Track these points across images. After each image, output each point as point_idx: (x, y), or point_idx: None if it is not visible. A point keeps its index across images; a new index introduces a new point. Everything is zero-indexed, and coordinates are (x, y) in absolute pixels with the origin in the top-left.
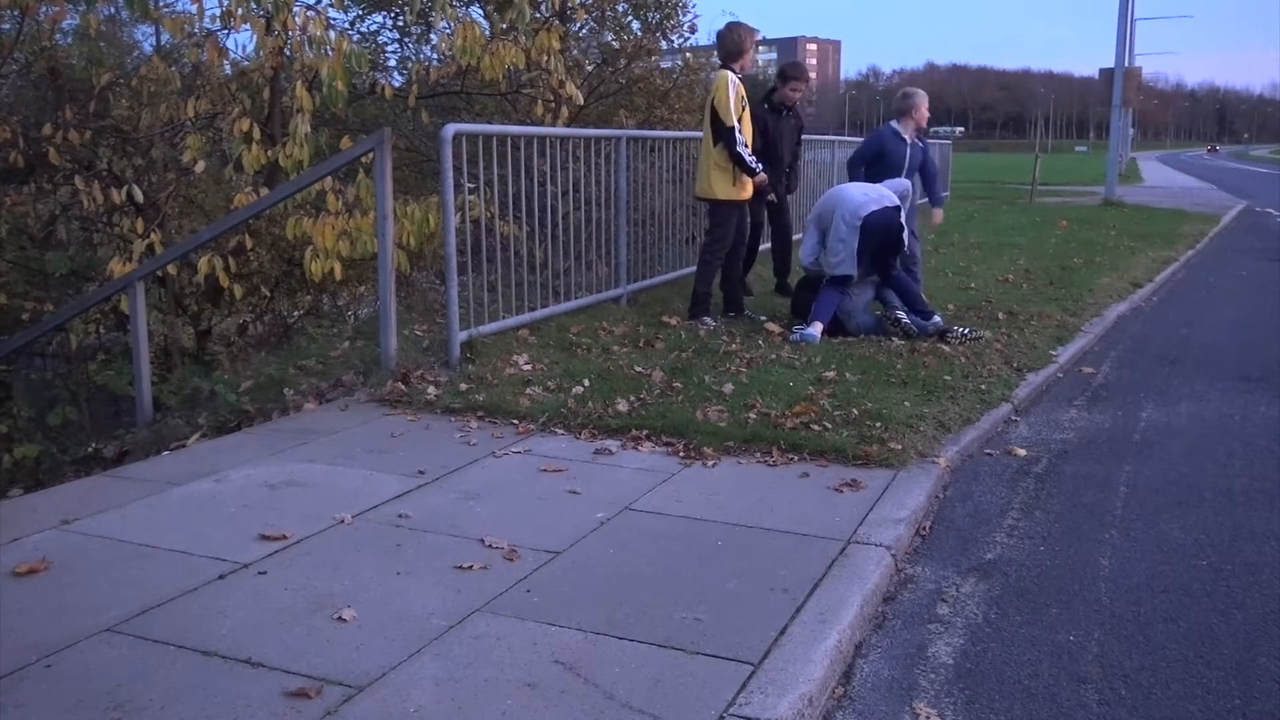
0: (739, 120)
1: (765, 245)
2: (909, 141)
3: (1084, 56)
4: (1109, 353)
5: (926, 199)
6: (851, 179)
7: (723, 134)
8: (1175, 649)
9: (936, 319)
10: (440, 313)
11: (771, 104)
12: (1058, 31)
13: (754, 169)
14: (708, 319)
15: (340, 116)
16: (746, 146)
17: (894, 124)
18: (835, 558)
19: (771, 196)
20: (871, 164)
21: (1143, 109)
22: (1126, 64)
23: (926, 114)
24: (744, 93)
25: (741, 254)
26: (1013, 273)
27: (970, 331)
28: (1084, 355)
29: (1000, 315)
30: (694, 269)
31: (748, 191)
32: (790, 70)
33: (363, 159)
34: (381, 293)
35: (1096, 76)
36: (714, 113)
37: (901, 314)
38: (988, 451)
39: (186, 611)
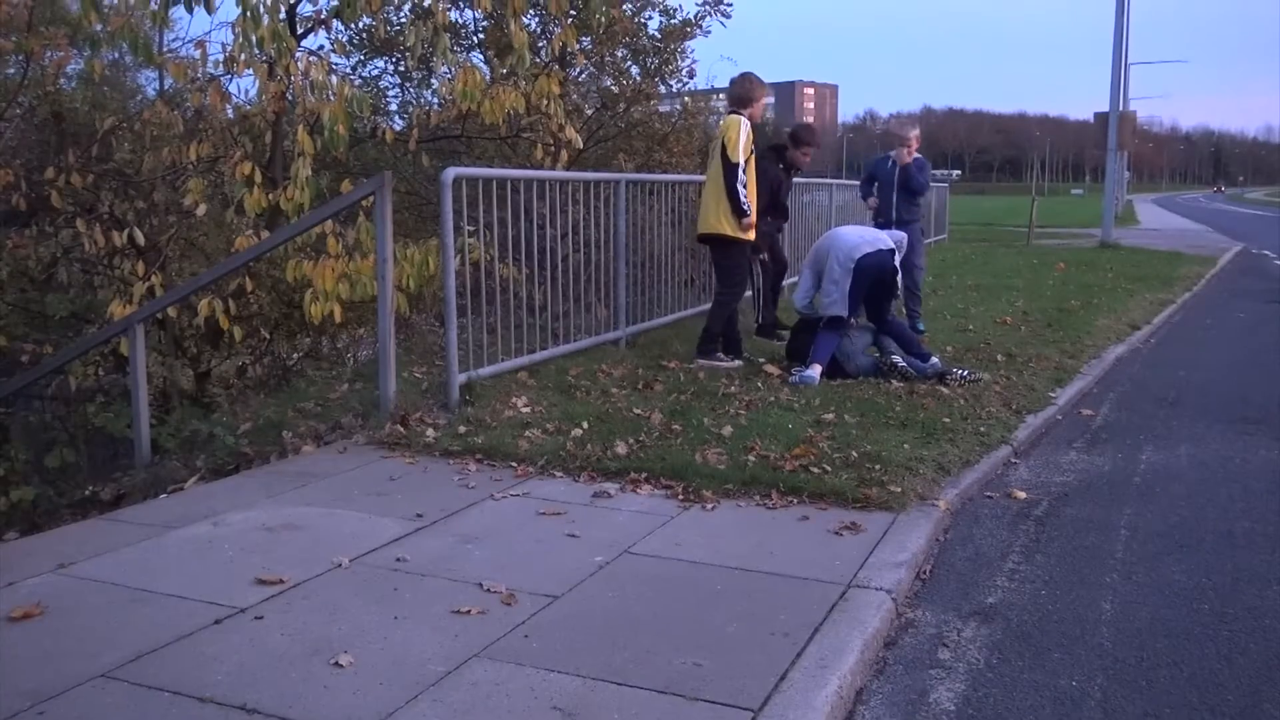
0: (745, 163)
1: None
2: (894, 165)
3: (1079, 100)
4: (1108, 395)
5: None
6: (863, 197)
7: (726, 169)
8: (1179, 694)
9: (934, 361)
10: (439, 355)
11: (785, 163)
12: (1053, 75)
13: (744, 209)
14: (720, 356)
15: (341, 160)
16: (745, 188)
17: (890, 154)
18: (835, 602)
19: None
20: (869, 183)
21: (1138, 152)
22: (1121, 108)
23: (912, 143)
24: (752, 139)
25: (741, 295)
26: (1011, 315)
27: (969, 373)
28: (1083, 397)
29: (999, 357)
30: (692, 310)
31: (753, 232)
32: (804, 134)
33: (363, 202)
34: (381, 335)
35: (1092, 120)
36: (723, 149)
37: (897, 358)
38: (988, 494)
39: (182, 657)
